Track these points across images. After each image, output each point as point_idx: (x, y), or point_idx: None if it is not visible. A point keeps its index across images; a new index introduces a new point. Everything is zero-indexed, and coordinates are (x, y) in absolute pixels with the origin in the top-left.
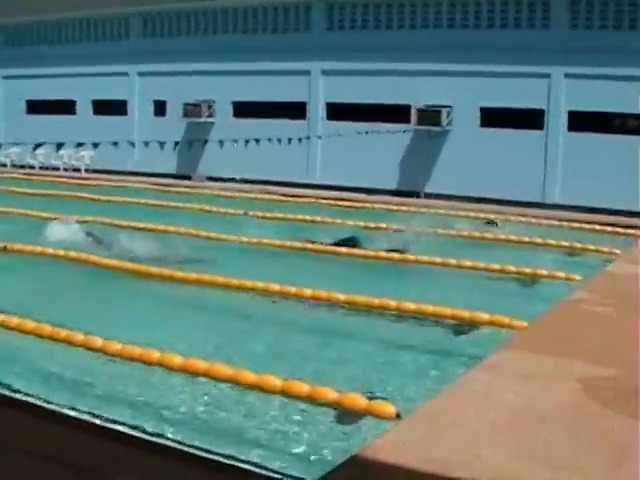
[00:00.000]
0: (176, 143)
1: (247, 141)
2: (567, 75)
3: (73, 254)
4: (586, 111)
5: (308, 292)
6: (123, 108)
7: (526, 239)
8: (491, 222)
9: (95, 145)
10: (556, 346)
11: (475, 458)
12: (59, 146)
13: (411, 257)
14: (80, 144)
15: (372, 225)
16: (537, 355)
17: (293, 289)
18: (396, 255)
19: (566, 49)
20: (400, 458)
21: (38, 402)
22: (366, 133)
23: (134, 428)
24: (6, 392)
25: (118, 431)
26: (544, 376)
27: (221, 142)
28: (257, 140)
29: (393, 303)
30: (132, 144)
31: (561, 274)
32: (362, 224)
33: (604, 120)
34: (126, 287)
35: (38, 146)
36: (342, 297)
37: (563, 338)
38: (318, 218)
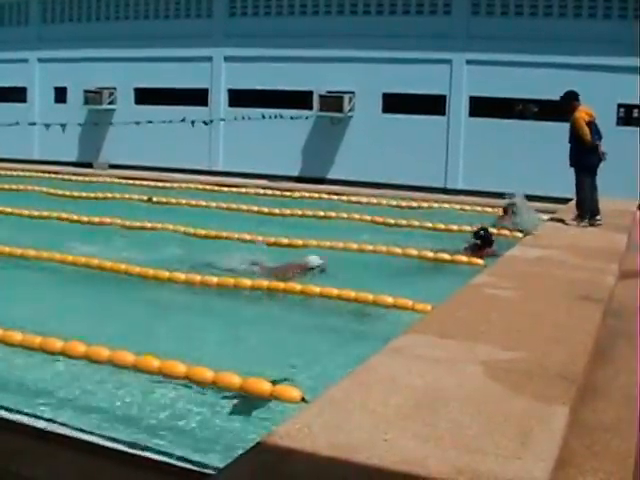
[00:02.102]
0: (80, 131)
1: (148, 123)
2: (468, 61)
3: None
4: (487, 97)
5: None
6: (23, 95)
7: (429, 224)
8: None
9: None
10: (460, 330)
11: (381, 442)
12: None
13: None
14: None
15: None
16: (441, 339)
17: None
18: None
19: (467, 35)
20: (306, 444)
21: None
22: (268, 118)
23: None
24: None
25: (26, 425)
26: (449, 360)
27: (123, 129)
28: (151, 123)
29: (298, 287)
30: (32, 124)
31: (464, 259)
32: None
33: (505, 105)
34: None
35: None
36: (248, 283)
37: (467, 322)
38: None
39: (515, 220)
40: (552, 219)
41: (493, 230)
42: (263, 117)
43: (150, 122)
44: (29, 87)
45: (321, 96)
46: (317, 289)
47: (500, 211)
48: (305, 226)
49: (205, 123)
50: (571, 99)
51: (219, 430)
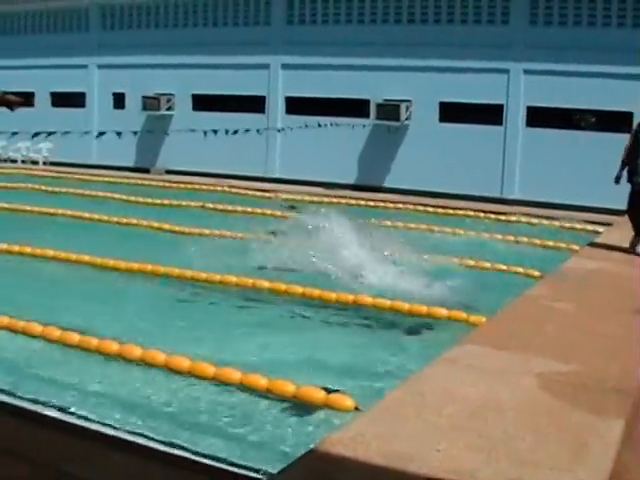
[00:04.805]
0: (135, 135)
1: (205, 132)
2: (526, 71)
3: None
4: (544, 107)
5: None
6: (82, 100)
7: (485, 235)
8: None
9: (50, 134)
10: (515, 341)
11: (433, 452)
12: (13, 134)
13: None
14: (37, 134)
15: None
16: (496, 350)
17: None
18: None
19: (525, 45)
20: (358, 452)
21: None
22: (324, 126)
23: (92, 422)
24: None
25: (75, 425)
26: (503, 371)
27: (180, 136)
28: (215, 131)
29: (351, 297)
30: (87, 133)
31: (520, 269)
32: None
33: (563, 116)
34: None
35: None
36: (300, 290)
37: (522, 333)
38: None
39: None
40: (609, 231)
41: None
42: (319, 125)
43: (205, 132)
44: (88, 92)
45: (378, 104)
46: (369, 299)
47: None
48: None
49: (259, 132)
50: None
51: (272, 437)
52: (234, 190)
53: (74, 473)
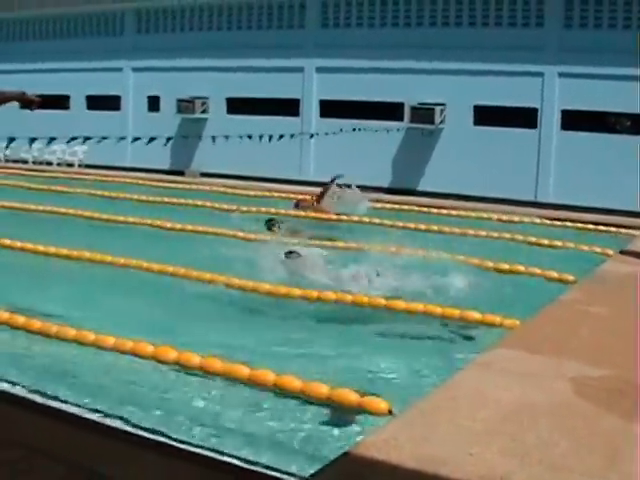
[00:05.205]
0: (168, 139)
1: (241, 137)
2: (561, 74)
3: None
4: (579, 110)
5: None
6: (117, 103)
7: (520, 238)
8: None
9: (87, 139)
10: (549, 345)
11: (466, 456)
12: (51, 140)
13: None
14: (73, 138)
15: None
16: (530, 354)
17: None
18: None
19: (560, 48)
20: (392, 456)
21: (31, 396)
22: (358, 130)
23: (129, 424)
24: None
25: (110, 426)
26: (537, 375)
27: (214, 138)
28: (250, 136)
29: (383, 301)
30: (123, 139)
31: (554, 274)
32: None
33: (597, 119)
34: None
35: (33, 141)
36: (333, 296)
37: (556, 337)
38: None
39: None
40: None
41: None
42: (354, 130)
43: (240, 137)
44: (123, 96)
45: (412, 108)
46: (402, 305)
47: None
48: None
49: (292, 136)
50: None
51: (305, 439)
52: None
53: (107, 474)
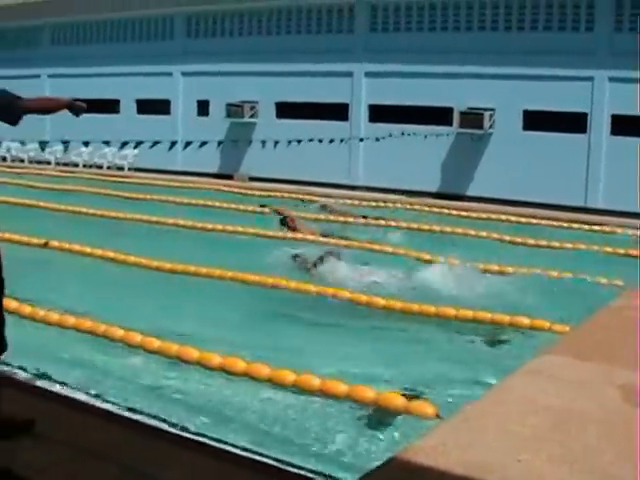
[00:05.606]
0: (219, 143)
1: (290, 142)
2: (611, 79)
3: None
4: (630, 115)
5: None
6: (167, 107)
7: (569, 245)
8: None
9: (139, 143)
10: (598, 352)
11: (514, 463)
12: (105, 144)
13: None
14: (125, 143)
15: None
16: (580, 361)
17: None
18: None
19: (610, 52)
20: (439, 461)
21: (84, 399)
22: (407, 135)
23: (181, 428)
24: (53, 388)
25: (164, 430)
26: (586, 382)
27: (263, 142)
28: (299, 141)
29: (432, 309)
30: (174, 144)
31: (604, 280)
32: None
33: None
34: None
35: (87, 144)
36: (382, 302)
37: (605, 344)
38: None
39: None
40: None
41: None
42: (403, 134)
43: (290, 142)
44: (173, 100)
45: (461, 112)
46: (452, 310)
47: None
48: None
49: (342, 141)
50: None
51: (352, 444)
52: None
53: (158, 476)
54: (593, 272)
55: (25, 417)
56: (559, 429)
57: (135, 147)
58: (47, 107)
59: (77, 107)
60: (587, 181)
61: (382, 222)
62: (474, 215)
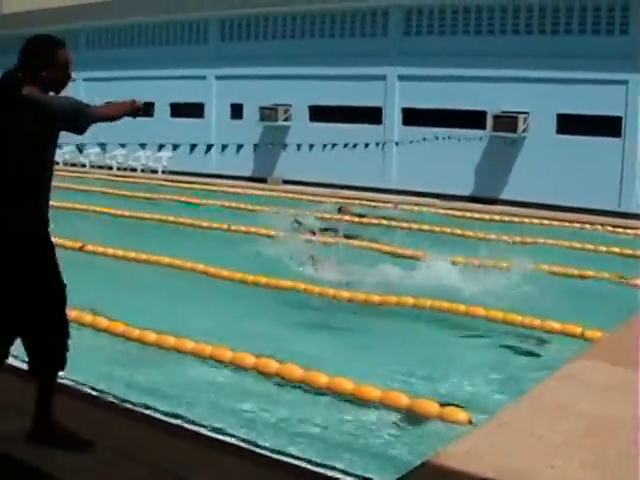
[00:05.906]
0: (255, 146)
1: (324, 145)
2: None
3: None
4: None
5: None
6: (200, 111)
7: (603, 248)
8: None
9: (175, 147)
10: (631, 357)
11: (547, 469)
12: (141, 146)
13: None
14: (161, 146)
15: None
16: (612, 366)
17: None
18: None
19: None
20: (471, 467)
21: (116, 401)
22: (441, 139)
23: (211, 429)
24: (89, 390)
25: (194, 432)
26: (619, 387)
27: (299, 146)
28: (334, 145)
29: (462, 307)
30: (210, 147)
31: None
32: None
33: None
34: None
35: (123, 147)
36: (411, 301)
37: (639, 350)
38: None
39: None
40: None
41: None
42: (437, 138)
43: (324, 145)
44: (207, 103)
45: (495, 116)
46: (482, 311)
47: None
48: None
49: (378, 145)
50: None
51: (385, 448)
52: None
53: (189, 477)
54: (627, 275)
55: (86, 438)
56: (592, 435)
57: (172, 150)
58: (117, 114)
59: (138, 108)
60: (621, 185)
61: (404, 224)
62: (506, 219)
